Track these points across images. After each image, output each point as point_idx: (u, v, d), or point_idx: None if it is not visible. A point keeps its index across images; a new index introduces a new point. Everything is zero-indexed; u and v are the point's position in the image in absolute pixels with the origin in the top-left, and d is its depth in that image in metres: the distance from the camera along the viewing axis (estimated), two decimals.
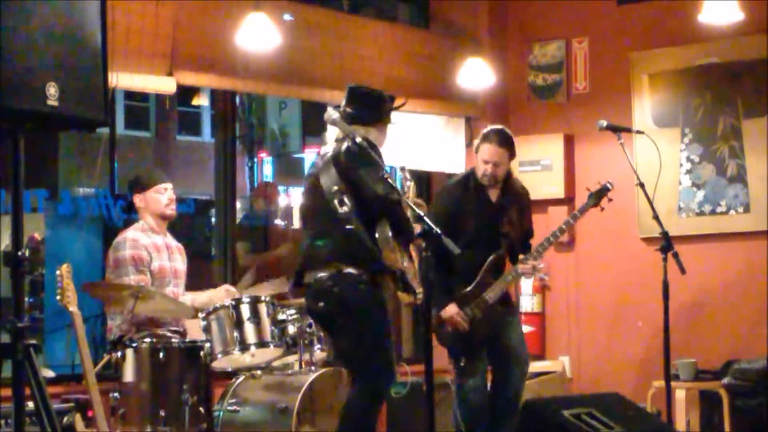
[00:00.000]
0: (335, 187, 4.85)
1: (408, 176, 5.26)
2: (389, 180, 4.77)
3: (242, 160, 17.63)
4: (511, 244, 5.94)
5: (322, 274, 4.89)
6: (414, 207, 4.59)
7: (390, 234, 4.82)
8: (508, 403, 5.83)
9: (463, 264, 5.67)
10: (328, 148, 5.05)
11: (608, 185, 5.99)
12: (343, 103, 5.09)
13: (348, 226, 4.81)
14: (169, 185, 5.77)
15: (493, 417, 5.89)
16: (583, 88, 8.26)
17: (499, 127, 6.00)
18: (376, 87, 7.41)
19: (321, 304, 4.97)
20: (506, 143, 5.86)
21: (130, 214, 6.50)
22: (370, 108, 5.07)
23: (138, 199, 5.74)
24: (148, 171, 5.93)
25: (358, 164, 4.81)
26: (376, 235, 4.82)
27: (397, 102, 5.17)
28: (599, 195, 5.99)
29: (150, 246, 5.64)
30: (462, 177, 6.06)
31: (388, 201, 4.78)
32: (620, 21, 8.07)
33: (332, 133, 5.06)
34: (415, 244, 4.99)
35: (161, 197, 5.73)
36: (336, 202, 4.83)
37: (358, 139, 4.71)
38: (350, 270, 4.85)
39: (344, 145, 4.89)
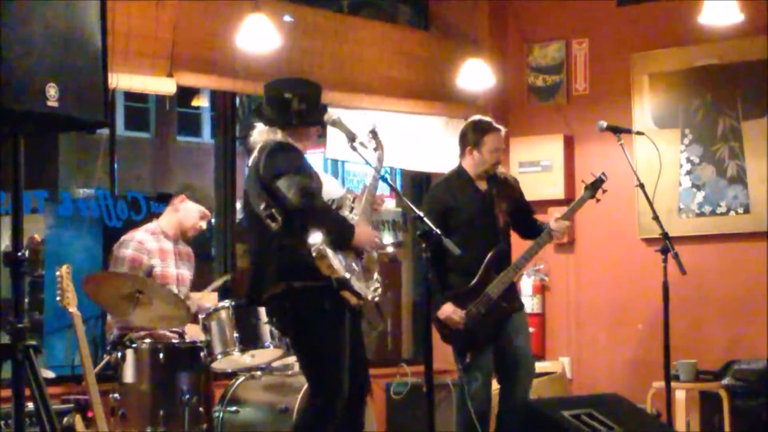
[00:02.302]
0: (263, 204, 4.67)
1: (379, 143, 4.87)
2: (311, 184, 4.61)
3: (242, 161, 17.59)
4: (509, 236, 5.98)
5: (273, 292, 4.76)
6: (414, 208, 4.56)
7: (320, 241, 4.56)
8: (517, 407, 5.80)
9: (462, 259, 5.66)
10: (253, 156, 4.87)
11: (602, 176, 5.98)
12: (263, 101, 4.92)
13: (283, 242, 4.65)
14: (209, 216, 5.80)
15: (500, 421, 5.88)
16: (583, 89, 8.26)
17: (480, 116, 6.04)
18: (375, 88, 7.45)
19: (275, 320, 4.97)
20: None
21: (132, 213, 6.50)
22: (276, 111, 4.83)
23: (180, 201, 5.71)
24: (207, 191, 5.92)
25: (276, 174, 4.62)
26: (309, 243, 4.58)
27: (320, 104, 4.88)
28: (594, 186, 5.98)
29: (155, 251, 5.63)
30: (448, 174, 6.05)
31: (305, 211, 4.56)
32: (620, 22, 8.07)
33: (255, 136, 4.89)
34: (359, 246, 4.75)
35: (199, 221, 5.74)
36: (267, 219, 4.66)
37: (359, 139, 4.64)
38: (299, 284, 4.68)
39: (263, 156, 4.71)
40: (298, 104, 4.77)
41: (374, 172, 4.80)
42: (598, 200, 5.99)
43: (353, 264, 4.73)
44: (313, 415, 4.78)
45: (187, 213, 5.73)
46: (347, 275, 4.63)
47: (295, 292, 4.69)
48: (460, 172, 5.95)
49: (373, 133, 4.91)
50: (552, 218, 5.97)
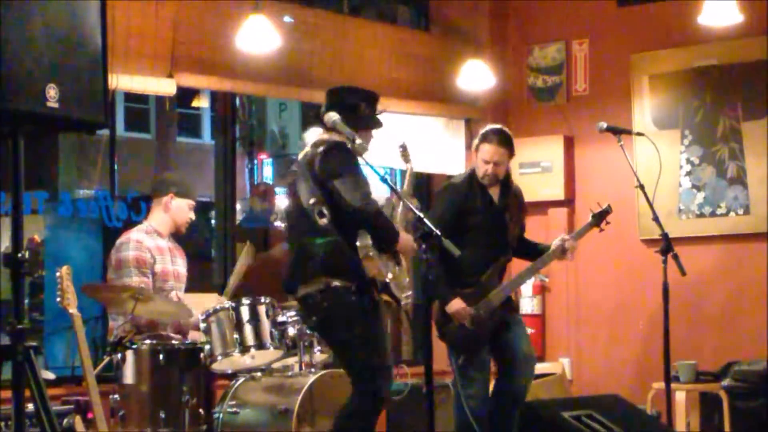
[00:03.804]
0: (313, 199, 4.80)
1: (407, 157, 5.12)
2: (367, 187, 4.73)
3: (242, 161, 17.63)
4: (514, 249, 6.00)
5: (311, 289, 4.88)
6: (414, 209, 4.58)
7: (370, 243, 4.76)
8: (513, 405, 5.81)
9: (467, 262, 5.67)
10: (304, 153, 4.98)
11: (608, 208, 6.05)
12: (323, 107, 5.05)
13: (329, 238, 4.78)
14: (194, 205, 5.84)
15: (498, 415, 5.88)
16: (583, 89, 8.27)
17: (498, 126, 6.01)
18: (375, 89, 7.46)
19: (314, 318, 5.00)
20: (506, 143, 5.88)
21: (132, 214, 6.50)
22: (345, 114, 4.96)
23: (170, 199, 5.72)
24: (190, 182, 5.98)
25: (333, 173, 4.76)
26: (357, 244, 4.76)
27: (378, 109, 5.10)
28: (600, 216, 6.03)
29: (154, 249, 5.64)
30: (465, 176, 6.05)
31: (364, 212, 4.73)
32: (620, 23, 8.08)
33: (311, 135, 5.00)
34: (402, 249, 4.94)
35: (189, 213, 5.77)
36: (315, 214, 4.78)
37: (358, 141, 4.69)
38: (337, 283, 4.82)
39: (319, 151, 4.82)
40: (365, 109, 5.00)
41: (405, 185, 5.00)
42: (601, 230, 6.03)
43: (391, 268, 4.90)
44: (362, 408, 4.87)
45: (179, 210, 5.76)
46: (390, 277, 4.83)
47: (332, 290, 4.82)
48: (474, 174, 5.96)
49: (403, 149, 5.13)
50: (558, 239, 5.98)
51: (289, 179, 5.10)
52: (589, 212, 6.13)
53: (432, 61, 8.08)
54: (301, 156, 5.01)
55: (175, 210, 5.75)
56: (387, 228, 4.85)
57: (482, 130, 5.99)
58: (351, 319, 4.86)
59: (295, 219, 5.00)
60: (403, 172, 5.12)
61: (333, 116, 4.85)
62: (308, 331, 5.60)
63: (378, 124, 5.10)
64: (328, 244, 4.79)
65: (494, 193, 5.93)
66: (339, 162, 4.77)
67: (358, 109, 5.00)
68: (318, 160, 4.81)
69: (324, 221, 4.77)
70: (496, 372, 5.97)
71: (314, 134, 5.01)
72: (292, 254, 5.03)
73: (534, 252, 6.02)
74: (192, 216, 5.83)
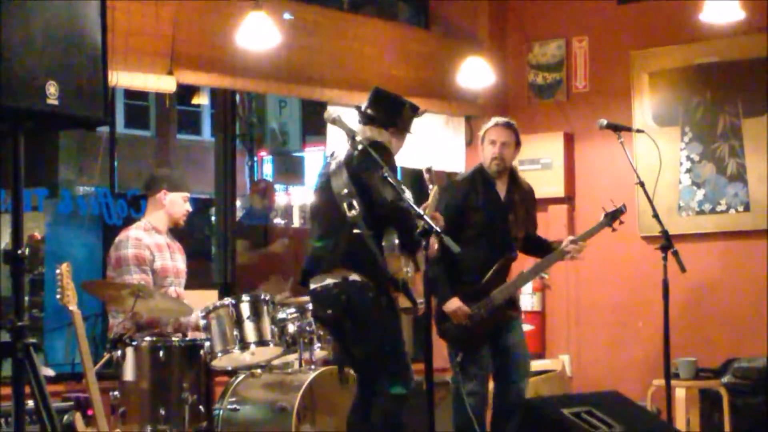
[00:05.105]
0: (345, 191, 4.87)
1: (432, 179, 5.21)
2: (398, 185, 4.77)
3: (242, 158, 17.60)
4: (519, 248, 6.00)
5: (328, 282, 4.90)
6: (415, 207, 4.59)
7: (396, 242, 4.81)
8: (512, 406, 5.81)
9: (469, 259, 5.67)
10: (341, 150, 5.06)
11: (622, 208, 6.02)
12: (365, 104, 5.13)
13: (355, 230, 4.82)
14: (188, 196, 5.85)
15: (495, 420, 5.89)
16: (583, 87, 8.26)
17: (499, 117, 6.07)
18: (377, 86, 7.48)
19: (329, 311, 4.99)
20: (512, 127, 5.95)
21: (132, 211, 6.51)
22: (388, 112, 5.08)
23: (163, 195, 5.73)
24: (181, 175, 6.01)
25: (370, 168, 4.80)
26: (383, 242, 4.82)
27: (420, 111, 5.22)
28: (613, 216, 6.01)
29: (152, 245, 5.65)
30: (470, 173, 6.07)
31: (396, 208, 4.76)
32: (620, 20, 8.07)
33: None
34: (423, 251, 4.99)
35: (184, 205, 5.79)
36: (345, 205, 4.84)
37: (358, 138, 4.72)
38: (355, 277, 4.85)
39: (358, 148, 4.87)
40: (409, 111, 5.13)
41: (430, 202, 4.96)
42: (614, 230, 6.01)
43: (411, 271, 4.95)
44: (389, 408, 4.88)
45: (173, 203, 5.77)
46: (409, 275, 4.88)
47: (350, 284, 4.85)
48: (481, 170, 5.96)
49: (429, 172, 5.16)
50: (566, 240, 5.98)
51: (318, 181, 5.14)
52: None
53: (432, 58, 8.08)
54: (335, 153, 5.12)
55: (169, 205, 5.76)
56: (414, 228, 4.83)
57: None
58: (371, 317, 4.89)
59: (323, 213, 5.06)
60: (427, 192, 5.13)
61: (333, 112, 4.87)
62: (308, 328, 5.60)
63: (408, 128, 5.18)
64: (352, 236, 4.83)
65: (501, 189, 5.93)
66: (376, 159, 4.79)
67: (403, 109, 5.11)
68: (356, 156, 4.86)
69: (353, 213, 4.82)
70: (493, 372, 5.96)
71: (360, 132, 5.04)
72: (312, 246, 5.04)
73: (544, 249, 6.01)
74: (188, 207, 5.83)
